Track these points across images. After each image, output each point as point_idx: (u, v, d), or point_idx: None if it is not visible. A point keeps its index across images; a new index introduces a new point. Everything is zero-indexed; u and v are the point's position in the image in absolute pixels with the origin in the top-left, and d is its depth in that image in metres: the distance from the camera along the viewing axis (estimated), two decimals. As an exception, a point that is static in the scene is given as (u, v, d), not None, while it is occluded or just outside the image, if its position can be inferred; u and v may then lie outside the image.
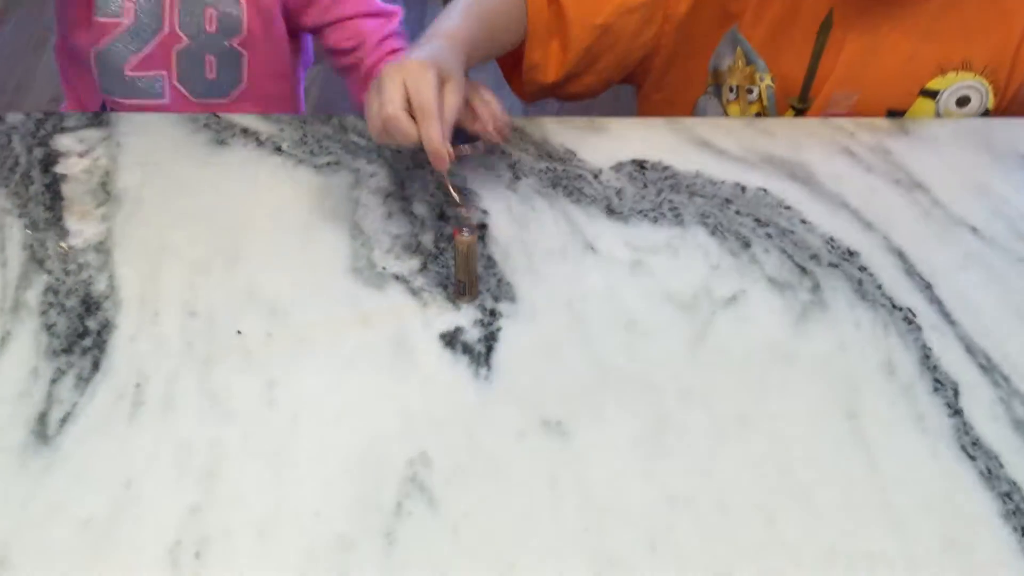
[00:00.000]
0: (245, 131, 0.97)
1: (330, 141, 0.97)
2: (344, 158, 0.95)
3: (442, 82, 0.80)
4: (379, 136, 0.80)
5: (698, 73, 1.06)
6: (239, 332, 0.79)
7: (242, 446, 0.71)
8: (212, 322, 0.79)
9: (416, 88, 0.78)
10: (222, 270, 0.84)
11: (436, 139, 0.77)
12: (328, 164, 0.94)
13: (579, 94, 1.07)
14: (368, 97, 0.81)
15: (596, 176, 0.95)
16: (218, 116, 0.99)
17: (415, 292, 0.83)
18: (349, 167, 0.94)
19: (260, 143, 0.96)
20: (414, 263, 0.85)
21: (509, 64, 1.05)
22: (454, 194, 0.83)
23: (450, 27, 0.89)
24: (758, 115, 1.06)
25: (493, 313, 0.81)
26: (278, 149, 0.95)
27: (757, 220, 0.91)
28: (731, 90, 1.05)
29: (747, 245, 0.88)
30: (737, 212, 0.91)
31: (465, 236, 0.79)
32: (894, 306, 0.83)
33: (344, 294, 0.82)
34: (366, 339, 0.79)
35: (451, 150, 0.78)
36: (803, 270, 0.86)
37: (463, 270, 0.81)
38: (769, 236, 0.89)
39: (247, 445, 0.71)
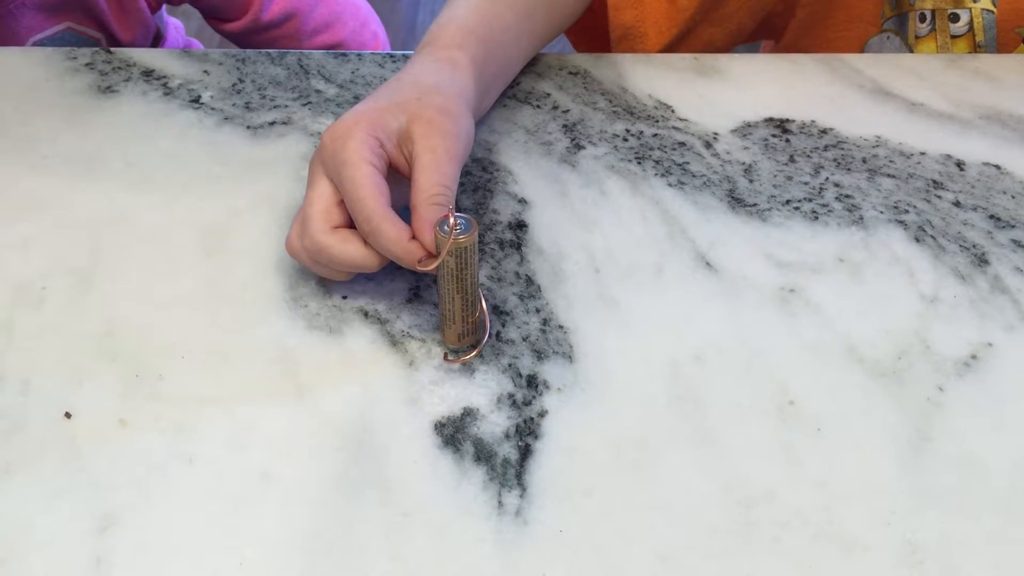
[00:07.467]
0: (148, 73, 0.62)
1: (280, 89, 0.61)
2: (299, 115, 0.59)
3: (401, 136, 0.45)
4: (321, 271, 0.47)
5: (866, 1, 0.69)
6: (68, 416, 0.43)
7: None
8: (25, 396, 0.44)
9: (341, 178, 0.44)
10: (62, 301, 0.48)
11: (395, 244, 0.42)
12: (272, 124, 0.58)
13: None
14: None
15: (710, 144, 0.58)
16: (110, 51, 0.63)
17: (395, 340, 0.46)
18: (305, 129, 0.58)
19: (169, 91, 0.60)
20: (397, 289, 0.49)
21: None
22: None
23: (449, 25, 0.53)
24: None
25: (533, 383, 0.45)
26: (196, 100, 0.60)
27: (993, 217, 0.53)
28: (922, 18, 0.67)
29: (983, 261, 0.50)
30: (956, 203, 0.54)
31: (455, 232, 0.42)
32: None
33: (270, 344, 0.46)
34: (300, 430, 0.43)
35: (437, 240, 0.42)
36: (1093, 307, 0.48)
37: (452, 298, 0.44)
38: (1020, 245, 0.51)
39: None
